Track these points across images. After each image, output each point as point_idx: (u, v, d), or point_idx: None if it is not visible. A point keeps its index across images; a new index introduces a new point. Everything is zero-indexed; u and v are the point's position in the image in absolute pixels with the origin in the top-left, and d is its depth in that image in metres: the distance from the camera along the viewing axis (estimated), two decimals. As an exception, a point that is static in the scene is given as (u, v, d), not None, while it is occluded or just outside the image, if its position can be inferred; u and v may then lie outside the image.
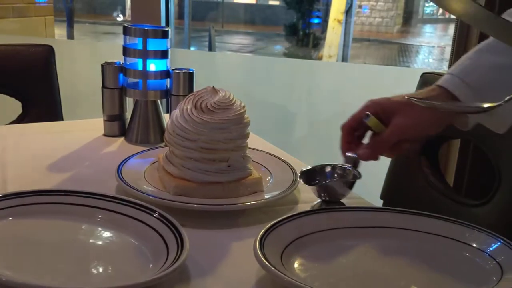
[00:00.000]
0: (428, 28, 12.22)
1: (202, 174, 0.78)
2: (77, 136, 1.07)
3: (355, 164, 0.79)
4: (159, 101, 1.07)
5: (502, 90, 0.66)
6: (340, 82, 2.25)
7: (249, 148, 0.83)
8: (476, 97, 0.72)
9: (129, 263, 0.61)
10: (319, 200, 0.80)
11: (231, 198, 0.78)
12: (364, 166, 0.78)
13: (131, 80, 1.06)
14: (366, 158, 0.77)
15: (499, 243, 0.64)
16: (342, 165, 0.80)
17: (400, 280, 0.59)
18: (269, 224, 0.65)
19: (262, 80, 2.39)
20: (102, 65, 1.06)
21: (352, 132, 0.79)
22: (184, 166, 0.78)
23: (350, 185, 0.79)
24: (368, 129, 0.79)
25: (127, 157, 0.87)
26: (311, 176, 0.81)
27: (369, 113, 0.76)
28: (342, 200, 0.79)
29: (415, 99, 0.70)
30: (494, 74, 0.74)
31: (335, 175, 0.81)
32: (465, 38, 1.45)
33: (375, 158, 0.77)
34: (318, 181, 0.79)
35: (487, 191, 1.02)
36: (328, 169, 0.82)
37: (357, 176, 0.78)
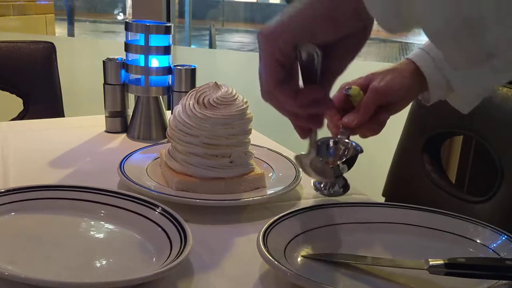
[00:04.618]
0: (429, 27, 12.19)
1: (205, 169, 0.77)
2: (79, 133, 1.07)
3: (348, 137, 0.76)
4: (161, 97, 1.07)
5: None
6: (341, 79, 2.24)
7: (251, 144, 0.83)
8: (436, 65, 0.76)
9: (132, 257, 0.61)
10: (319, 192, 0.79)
11: (233, 194, 0.77)
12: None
13: (133, 76, 1.06)
14: (348, 124, 0.75)
15: (503, 239, 0.64)
16: (341, 138, 0.76)
17: (402, 276, 0.59)
18: (273, 219, 0.65)
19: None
20: (104, 61, 1.06)
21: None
22: (186, 162, 0.78)
23: (353, 161, 0.75)
24: (353, 103, 0.77)
25: (130, 153, 0.87)
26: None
27: (351, 86, 0.76)
28: (342, 196, 0.79)
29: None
30: None
31: (340, 149, 0.76)
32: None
33: (357, 125, 0.75)
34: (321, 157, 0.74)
35: (489, 187, 1.02)
36: (331, 143, 0.77)
37: (359, 150, 0.74)
